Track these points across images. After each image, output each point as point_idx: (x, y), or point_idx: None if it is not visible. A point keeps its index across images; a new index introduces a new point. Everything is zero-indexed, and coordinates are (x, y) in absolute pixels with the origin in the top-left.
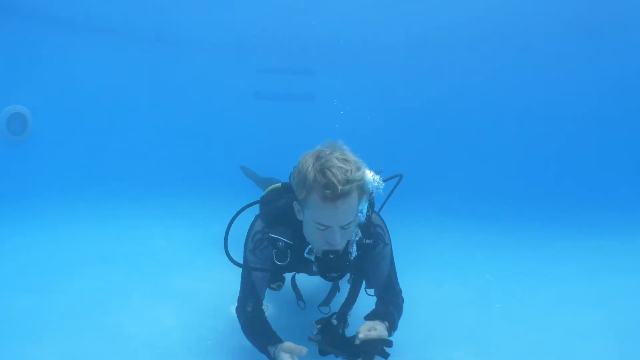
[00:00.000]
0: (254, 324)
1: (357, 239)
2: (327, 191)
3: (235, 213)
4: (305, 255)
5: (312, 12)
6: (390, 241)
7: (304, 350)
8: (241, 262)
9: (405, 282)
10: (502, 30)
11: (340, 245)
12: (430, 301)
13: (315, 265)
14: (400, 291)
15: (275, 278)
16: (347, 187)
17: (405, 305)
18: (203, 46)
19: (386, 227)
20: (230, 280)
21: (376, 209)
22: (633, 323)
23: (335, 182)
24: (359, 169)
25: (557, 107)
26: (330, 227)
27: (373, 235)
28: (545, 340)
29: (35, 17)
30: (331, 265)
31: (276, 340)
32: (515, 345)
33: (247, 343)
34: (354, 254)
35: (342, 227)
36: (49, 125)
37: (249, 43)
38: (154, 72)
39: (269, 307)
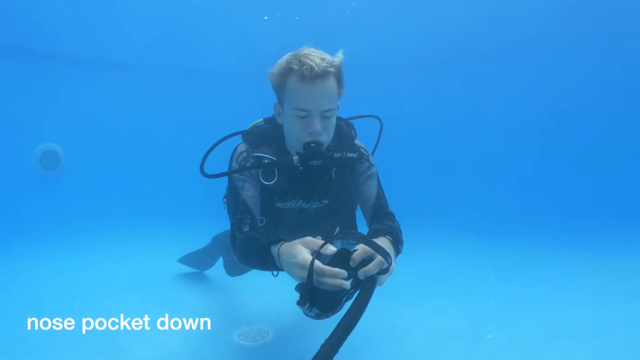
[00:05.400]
0: (253, 241)
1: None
2: (305, 67)
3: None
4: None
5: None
6: (376, 166)
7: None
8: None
9: (408, 309)
10: (516, 45)
11: (321, 136)
12: (423, 331)
13: (296, 158)
14: (393, 214)
15: (262, 210)
16: (324, 66)
17: (393, 336)
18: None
19: (370, 154)
20: (238, 306)
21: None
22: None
23: (313, 64)
24: (335, 59)
25: (579, 125)
26: (309, 112)
27: (357, 151)
28: None
29: (61, 58)
30: (312, 152)
31: (280, 240)
32: None
33: None
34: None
35: (323, 116)
36: (79, 161)
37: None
38: (173, 104)
39: (268, 333)
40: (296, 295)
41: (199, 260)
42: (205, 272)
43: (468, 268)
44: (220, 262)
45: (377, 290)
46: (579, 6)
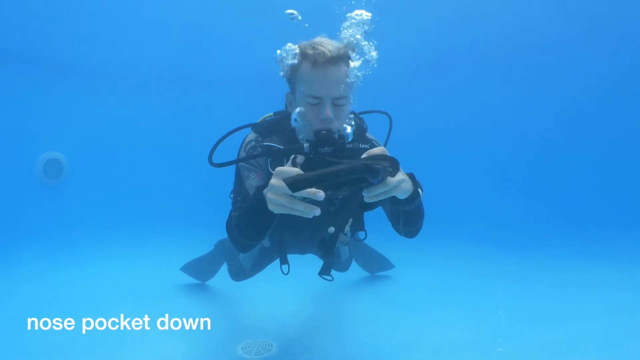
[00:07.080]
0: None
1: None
2: (318, 52)
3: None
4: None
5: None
6: None
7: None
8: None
9: (415, 321)
10: (522, 51)
11: (333, 123)
12: (430, 343)
13: (306, 145)
14: None
15: None
16: (335, 52)
17: (400, 348)
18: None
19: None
20: (241, 318)
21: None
22: None
23: (325, 50)
24: (349, 47)
25: (589, 132)
26: (321, 99)
27: (369, 142)
28: None
29: (66, 67)
30: (323, 139)
31: None
32: None
33: None
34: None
35: (334, 103)
36: (82, 169)
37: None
38: (177, 112)
39: (272, 346)
40: (300, 306)
41: (201, 268)
42: (207, 282)
43: (475, 278)
44: (222, 272)
45: (382, 301)
46: (583, 9)
